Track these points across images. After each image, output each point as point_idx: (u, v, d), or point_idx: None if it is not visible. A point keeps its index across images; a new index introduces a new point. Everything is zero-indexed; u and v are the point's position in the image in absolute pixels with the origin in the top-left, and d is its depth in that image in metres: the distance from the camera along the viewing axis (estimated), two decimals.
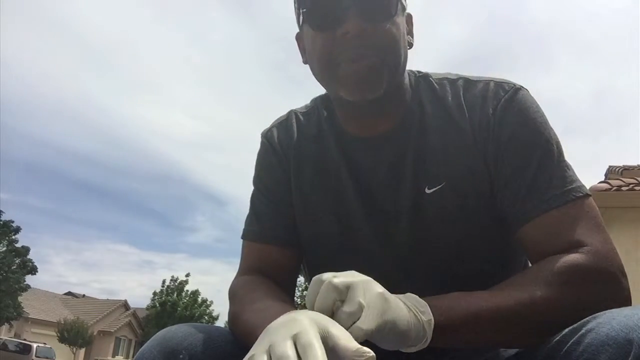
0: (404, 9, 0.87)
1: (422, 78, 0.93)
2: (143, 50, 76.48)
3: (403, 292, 0.88)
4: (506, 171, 0.81)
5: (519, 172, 0.80)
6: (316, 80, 0.91)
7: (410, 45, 0.90)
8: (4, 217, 25.01)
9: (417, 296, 0.67)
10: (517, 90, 0.85)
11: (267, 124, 1.03)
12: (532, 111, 0.83)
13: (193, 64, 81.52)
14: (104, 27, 70.72)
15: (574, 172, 0.81)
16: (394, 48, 0.83)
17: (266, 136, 1.00)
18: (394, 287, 0.88)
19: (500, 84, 0.87)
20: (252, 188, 1.00)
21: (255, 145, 1.01)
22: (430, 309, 0.65)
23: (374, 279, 0.88)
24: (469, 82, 0.89)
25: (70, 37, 67.92)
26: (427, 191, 0.85)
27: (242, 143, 69.43)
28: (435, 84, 0.91)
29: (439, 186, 0.85)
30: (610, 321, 0.55)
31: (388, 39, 0.82)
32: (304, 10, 0.85)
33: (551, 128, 0.84)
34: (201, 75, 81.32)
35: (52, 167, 68.34)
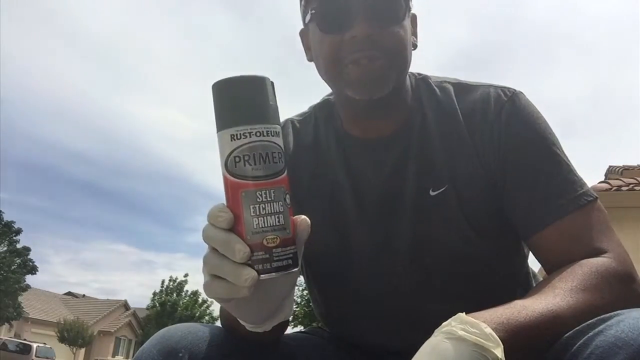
0: (410, 10, 0.87)
1: (421, 80, 0.93)
2: (143, 50, 76.47)
3: (400, 295, 0.87)
4: (516, 177, 0.81)
5: (531, 178, 0.79)
6: (319, 79, 0.90)
7: (415, 46, 0.90)
8: (5, 218, 25.02)
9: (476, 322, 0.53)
10: (517, 95, 0.86)
11: None
12: (536, 116, 0.84)
13: (193, 63, 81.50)
14: (105, 27, 70.74)
15: (579, 175, 0.81)
16: (401, 51, 0.84)
17: None
18: (390, 289, 0.89)
19: (500, 89, 0.87)
20: None
21: None
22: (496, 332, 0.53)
23: (371, 282, 0.89)
24: (467, 87, 0.90)
25: (70, 37, 67.91)
26: (432, 193, 0.85)
27: None
28: (435, 87, 0.91)
29: (443, 188, 0.84)
30: (618, 323, 0.53)
31: (396, 42, 0.82)
32: (313, 11, 0.84)
33: (553, 131, 0.84)
34: (202, 75, 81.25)
35: (52, 167, 68.50)
